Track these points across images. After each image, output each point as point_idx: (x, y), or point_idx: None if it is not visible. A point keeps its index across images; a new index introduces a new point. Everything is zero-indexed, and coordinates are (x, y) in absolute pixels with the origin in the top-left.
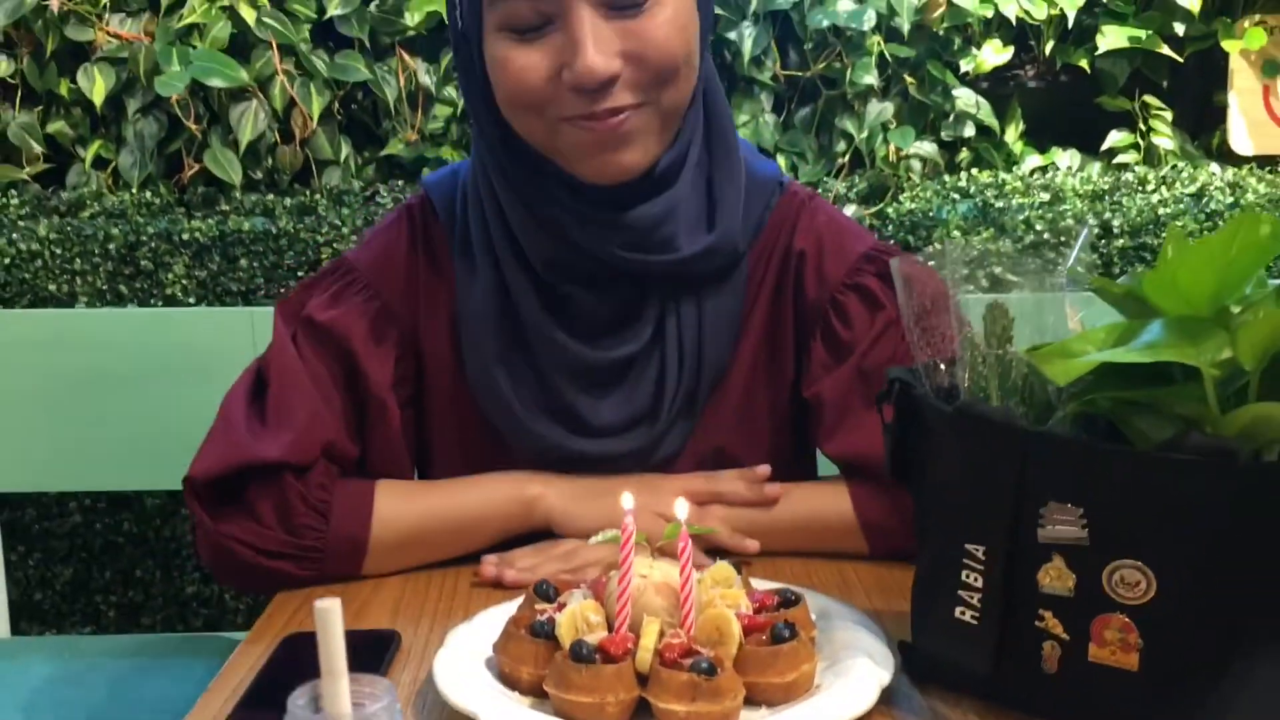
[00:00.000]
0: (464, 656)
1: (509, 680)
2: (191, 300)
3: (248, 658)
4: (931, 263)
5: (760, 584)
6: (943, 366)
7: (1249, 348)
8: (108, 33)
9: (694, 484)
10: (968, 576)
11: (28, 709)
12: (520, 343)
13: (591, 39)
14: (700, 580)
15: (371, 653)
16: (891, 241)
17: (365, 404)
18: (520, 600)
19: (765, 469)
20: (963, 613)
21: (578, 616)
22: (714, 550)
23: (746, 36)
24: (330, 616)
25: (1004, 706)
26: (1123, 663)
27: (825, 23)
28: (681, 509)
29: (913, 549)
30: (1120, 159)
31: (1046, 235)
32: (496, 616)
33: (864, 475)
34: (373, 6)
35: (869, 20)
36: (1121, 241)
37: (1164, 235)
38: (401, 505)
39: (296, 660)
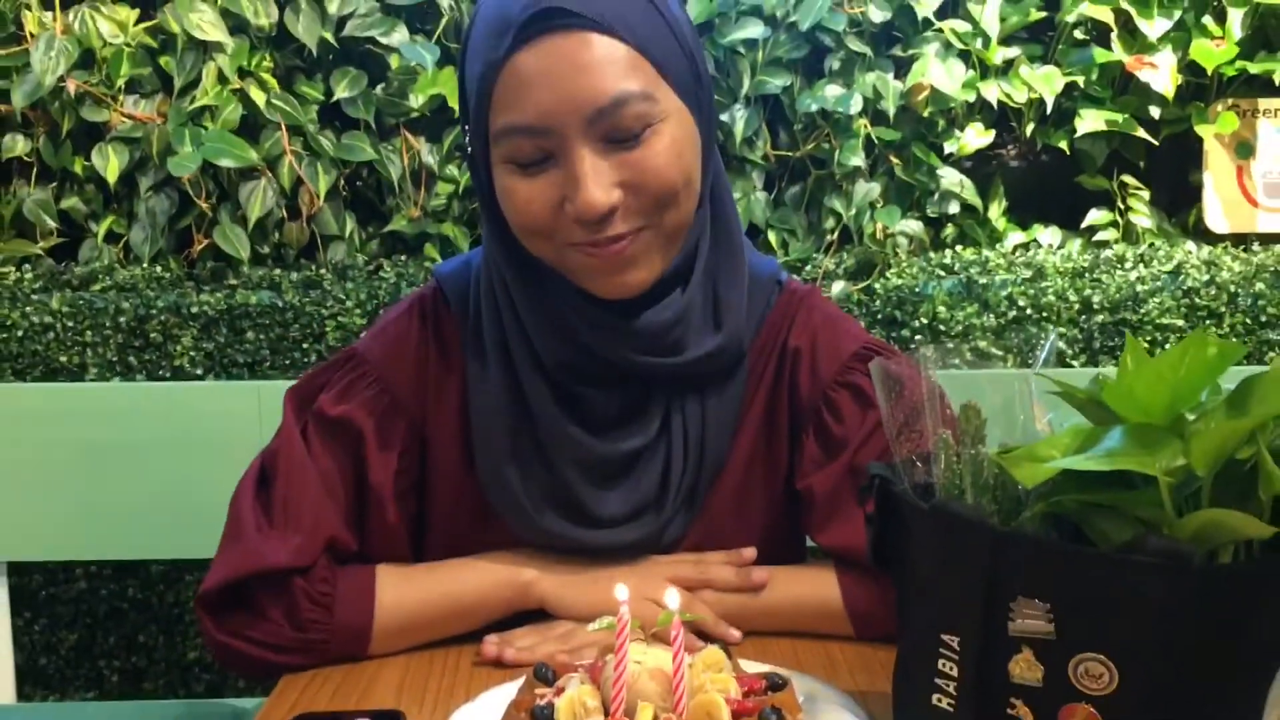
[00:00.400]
0: None
1: None
2: (199, 372)
3: None
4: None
5: (749, 666)
6: (919, 464)
7: (1201, 456)
8: (122, 113)
9: (683, 570)
10: (944, 665)
11: None
12: (531, 438)
13: (590, 174)
14: (691, 665)
15: None
16: (878, 324)
17: (367, 497)
18: (520, 682)
19: (751, 551)
20: (939, 699)
21: (575, 701)
22: (704, 634)
23: (739, 118)
24: None
25: None
26: None
27: (814, 106)
28: (673, 599)
29: (896, 632)
30: (1100, 236)
31: (1029, 310)
32: (498, 698)
33: (852, 564)
34: (378, 89)
35: (856, 104)
36: (1101, 317)
37: (1143, 312)
38: (402, 591)
39: None
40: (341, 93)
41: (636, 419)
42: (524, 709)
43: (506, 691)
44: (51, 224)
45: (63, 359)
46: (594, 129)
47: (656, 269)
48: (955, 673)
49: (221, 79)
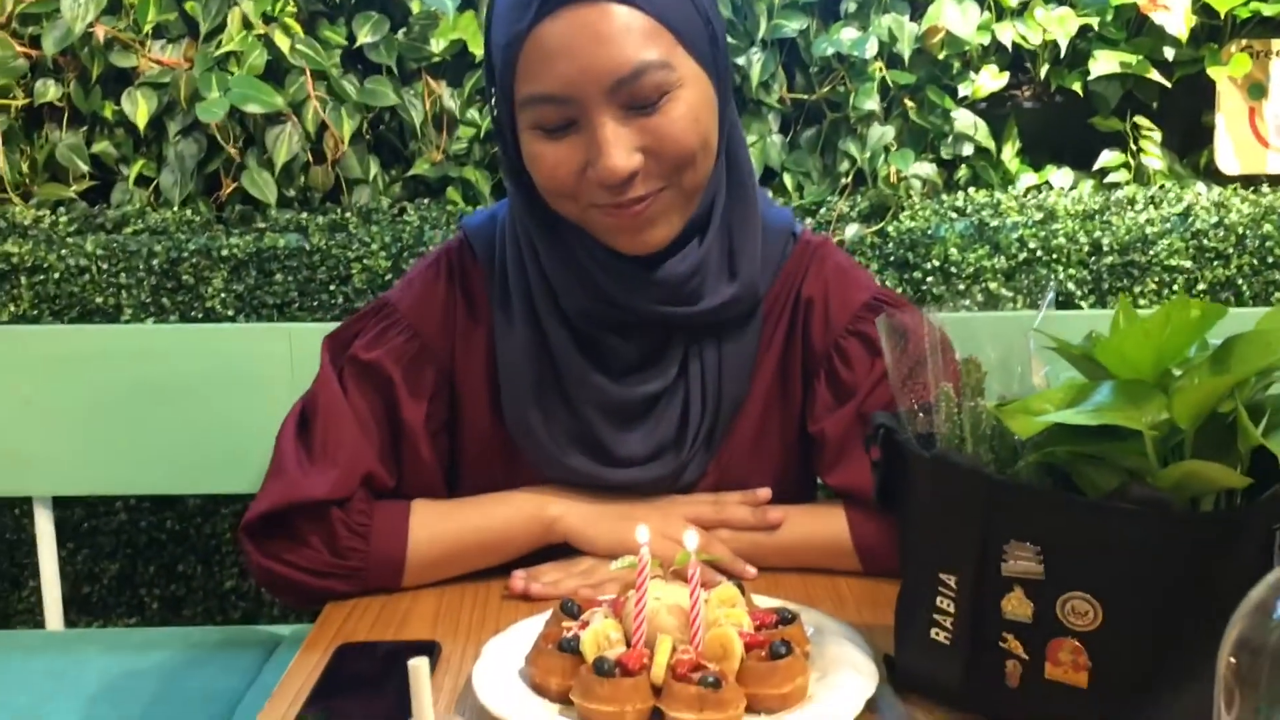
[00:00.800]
0: (499, 667)
1: (539, 689)
2: (230, 312)
3: (305, 665)
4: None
5: (762, 601)
6: (922, 414)
7: (1184, 410)
8: (150, 59)
9: (702, 510)
10: (941, 602)
11: (87, 700)
12: (555, 383)
13: (611, 140)
14: (707, 600)
15: None
16: (891, 266)
17: (401, 436)
18: (548, 615)
19: (766, 492)
20: (937, 634)
21: (600, 634)
22: (721, 569)
23: (755, 62)
24: (421, 672)
25: (973, 715)
26: (1074, 680)
27: (830, 50)
28: (691, 539)
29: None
30: (1111, 178)
31: (1039, 253)
32: (527, 629)
33: (859, 504)
34: (400, 34)
35: (871, 48)
36: (1110, 259)
37: (1151, 254)
38: (434, 524)
39: (350, 669)
40: (364, 38)
41: (655, 364)
42: (551, 640)
43: (535, 624)
44: (83, 167)
45: (98, 300)
46: (615, 97)
47: (676, 226)
48: (952, 609)
49: (246, 24)
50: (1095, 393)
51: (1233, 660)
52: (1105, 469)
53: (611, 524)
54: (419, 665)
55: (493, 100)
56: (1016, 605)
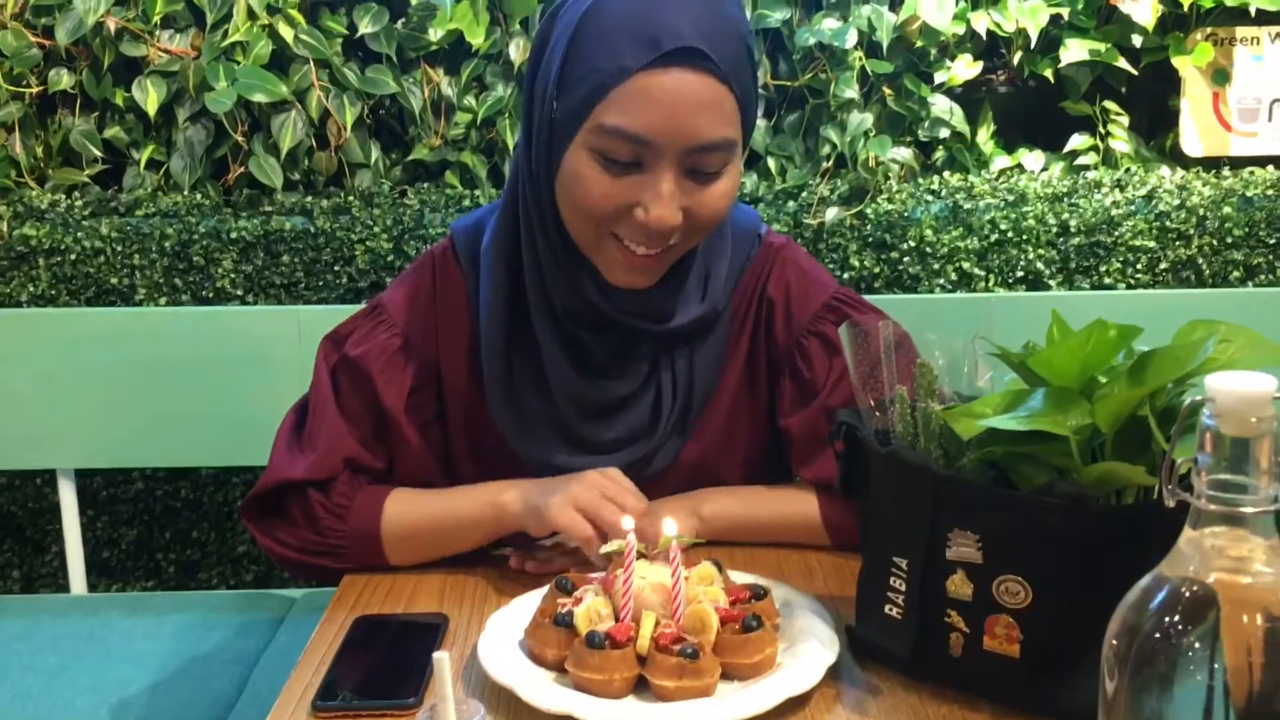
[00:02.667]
0: (501, 639)
1: (537, 659)
2: (239, 292)
3: (326, 635)
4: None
5: (738, 577)
6: (878, 413)
7: (1104, 416)
8: (158, 48)
9: (593, 476)
10: (895, 582)
11: (114, 660)
12: (536, 376)
13: (669, 195)
14: (688, 579)
15: (428, 633)
16: (869, 247)
17: (386, 425)
18: (545, 591)
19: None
20: (890, 609)
21: (591, 610)
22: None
23: None
24: (444, 664)
25: (922, 681)
26: (1008, 651)
27: (812, 40)
28: (670, 526)
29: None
30: (1081, 160)
31: (1010, 234)
32: (527, 603)
33: (829, 488)
34: (399, 24)
35: (851, 38)
36: (1078, 240)
37: (1117, 234)
38: (405, 507)
39: (366, 640)
40: (365, 28)
41: (628, 363)
42: (548, 615)
43: (534, 599)
44: (96, 153)
45: (113, 281)
46: (686, 159)
47: (662, 273)
48: (904, 588)
49: (251, 15)
50: (1029, 399)
51: (1114, 643)
52: (1037, 466)
53: (536, 500)
54: (442, 659)
55: (551, 107)
56: (959, 586)
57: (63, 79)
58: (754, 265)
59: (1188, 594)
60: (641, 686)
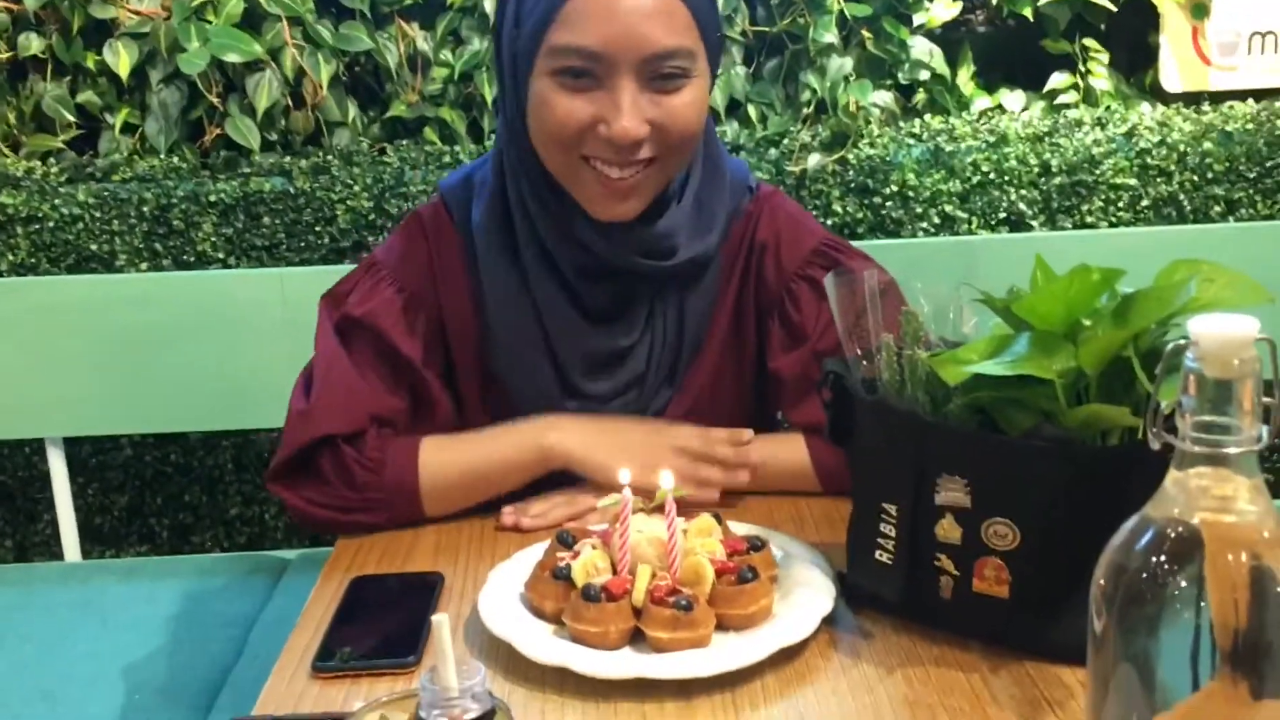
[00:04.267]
0: (501, 593)
1: (536, 612)
2: (220, 255)
3: (323, 595)
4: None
5: (737, 528)
6: (865, 361)
7: (1089, 358)
8: (128, 10)
9: (690, 442)
10: (884, 528)
11: (110, 627)
12: (536, 324)
13: (630, 105)
14: (685, 531)
15: (425, 591)
16: (851, 193)
17: (407, 376)
18: (546, 545)
19: (749, 433)
20: (881, 555)
21: (589, 563)
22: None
23: None
24: (444, 626)
25: (914, 624)
26: (997, 593)
27: None
28: (666, 479)
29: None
30: (1061, 99)
31: (992, 175)
32: (528, 557)
33: (818, 434)
34: None
35: None
36: (1059, 180)
37: (1098, 173)
38: (442, 456)
39: (364, 599)
40: None
41: (625, 311)
42: (548, 569)
43: (535, 552)
44: (69, 118)
45: (93, 247)
46: (642, 69)
47: (647, 200)
48: (894, 534)
49: None
50: (1014, 343)
51: (1101, 583)
52: (1023, 410)
53: (606, 451)
54: (441, 621)
55: (514, 44)
56: (948, 530)
57: (32, 43)
58: (745, 215)
59: (1173, 534)
60: (638, 638)
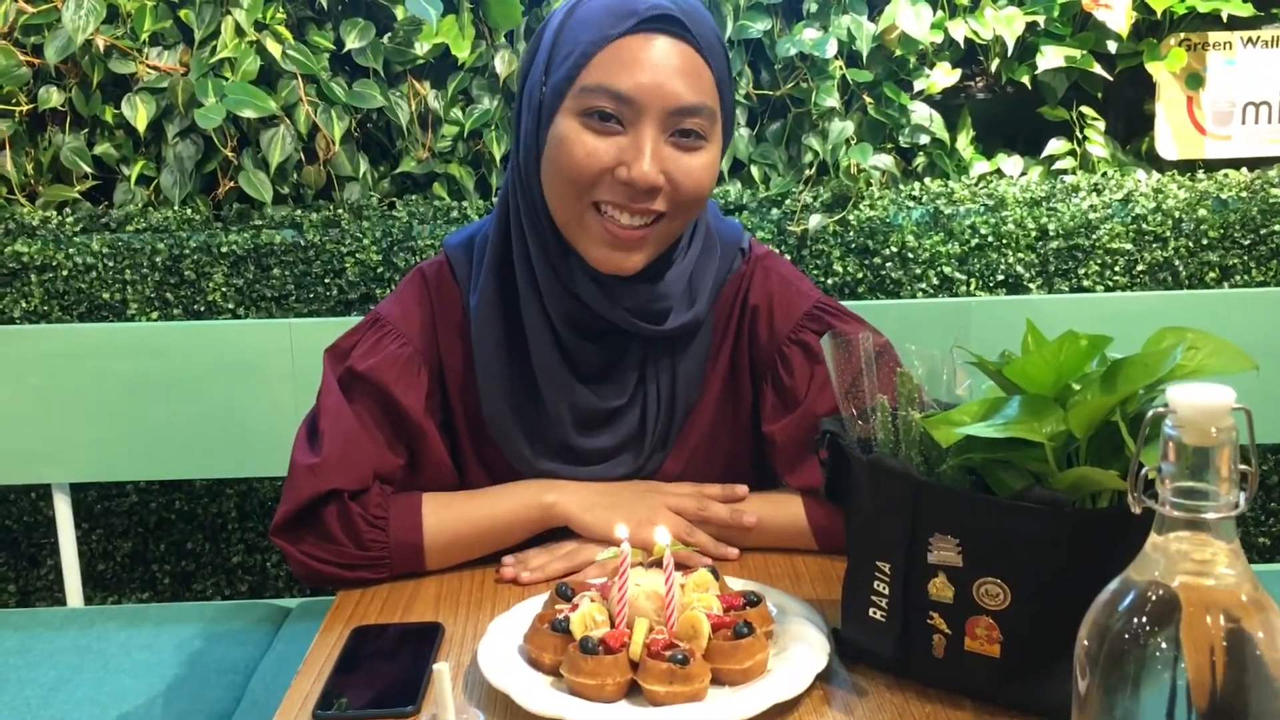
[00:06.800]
0: (500, 644)
1: (534, 664)
2: (231, 305)
3: (325, 644)
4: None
5: (735, 583)
6: (861, 421)
7: (1078, 423)
8: (147, 65)
9: (684, 503)
10: (878, 585)
11: (111, 673)
12: (529, 385)
13: (651, 150)
14: (683, 586)
15: (425, 641)
16: (851, 253)
17: (407, 431)
18: (545, 597)
19: (743, 489)
20: (875, 612)
21: (587, 616)
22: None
23: None
24: (444, 676)
25: (907, 681)
26: (988, 651)
27: (793, 50)
28: (662, 535)
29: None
30: (1059, 165)
31: (990, 238)
32: (527, 609)
33: (814, 493)
34: (386, 39)
35: (831, 48)
36: (1056, 243)
37: (1095, 238)
38: (444, 513)
39: (364, 649)
40: (352, 43)
41: (617, 372)
42: (546, 621)
43: (534, 604)
44: (86, 169)
45: (105, 296)
46: (667, 121)
47: (650, 256)
48: (887, 591)
49: (239, 31)
50: (1006, 406)
51: (1085, 643)
52: (1014, 472)
53: (603, 511)
54: (442, 669)
55: (541, 87)
56: (940, 588)
57: (52, 96)
58: (736, 275)
59: (1153, 597)
60: (634, 691)
